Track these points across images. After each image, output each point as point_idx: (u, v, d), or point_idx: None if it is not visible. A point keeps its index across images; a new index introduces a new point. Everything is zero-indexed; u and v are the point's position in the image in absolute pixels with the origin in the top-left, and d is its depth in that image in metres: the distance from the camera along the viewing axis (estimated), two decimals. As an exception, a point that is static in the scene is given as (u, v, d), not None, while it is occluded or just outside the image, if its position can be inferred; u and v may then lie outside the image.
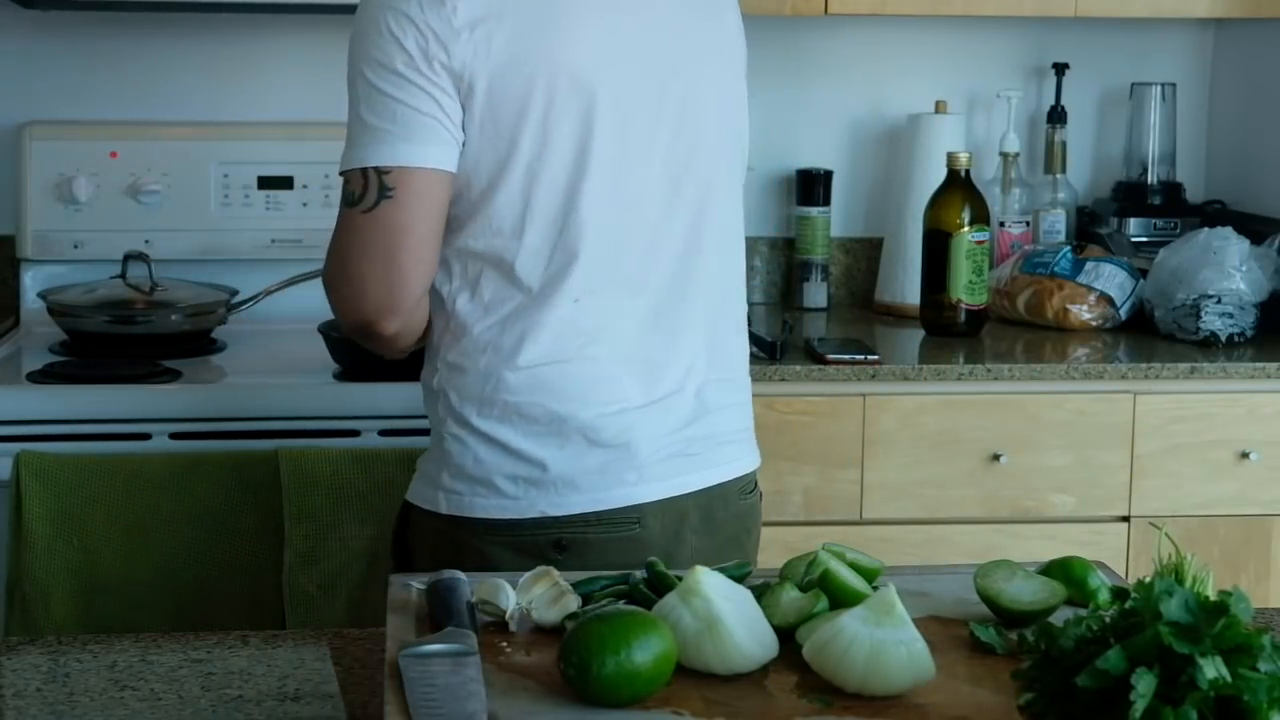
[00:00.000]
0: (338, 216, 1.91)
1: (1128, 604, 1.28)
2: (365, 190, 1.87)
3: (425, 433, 2.61)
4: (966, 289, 3.13)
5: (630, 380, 1.97)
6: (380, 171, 1.86)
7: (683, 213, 2.00)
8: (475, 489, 1.96)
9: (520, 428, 1.94)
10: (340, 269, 1.91)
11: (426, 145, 1.87)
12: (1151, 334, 3.17)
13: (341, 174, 1.90)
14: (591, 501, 1.95)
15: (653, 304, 1.98)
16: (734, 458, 2.07)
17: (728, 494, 2.06)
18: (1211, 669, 1.20)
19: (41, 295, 3.01)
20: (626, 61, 1.95)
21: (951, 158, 3.16)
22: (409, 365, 2.69)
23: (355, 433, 2.62)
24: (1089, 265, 3.23)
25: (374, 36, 1.87)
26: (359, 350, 2.73)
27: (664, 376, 1.99)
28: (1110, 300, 3.21)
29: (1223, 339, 3.07)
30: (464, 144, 1.90)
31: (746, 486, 2.10)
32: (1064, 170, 3.54)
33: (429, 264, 1.92)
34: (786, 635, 1.43)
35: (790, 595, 1.48)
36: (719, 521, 2.04)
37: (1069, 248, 3.29)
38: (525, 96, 1.89)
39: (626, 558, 1.87)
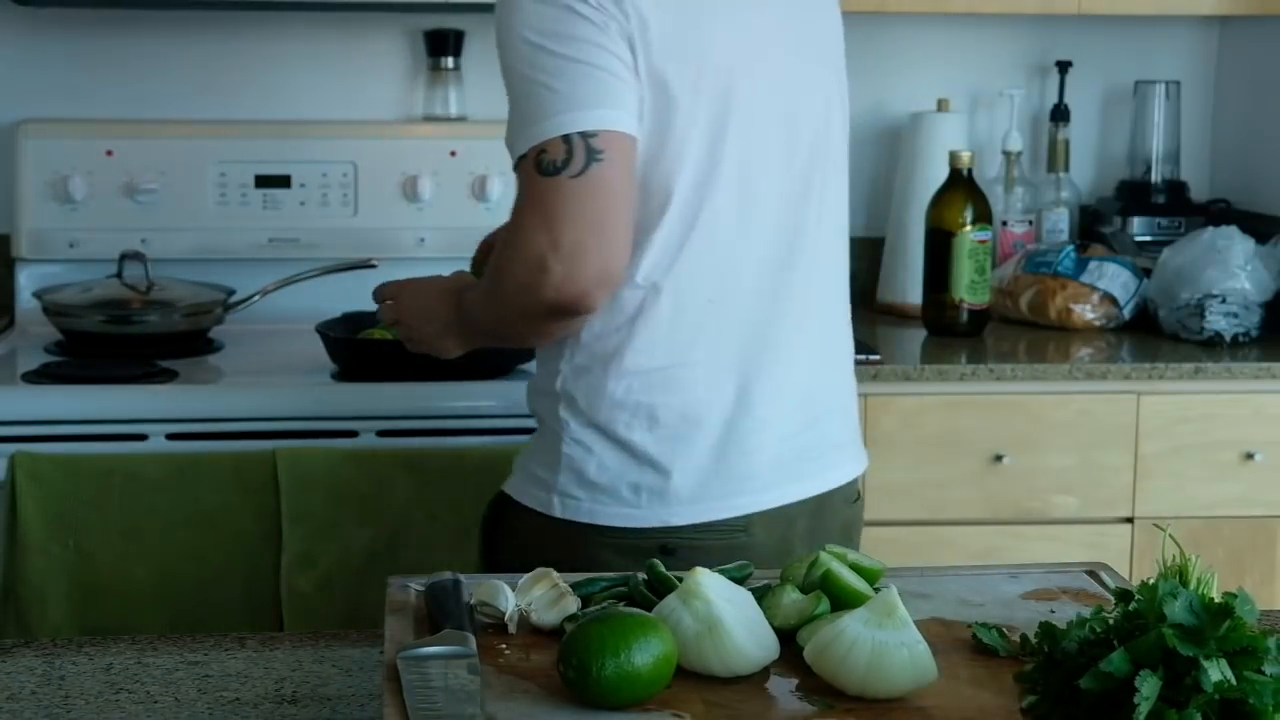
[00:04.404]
0: (530, 192, 1.82)
1: (1131, 606, 1.27)
2: (571, 156, 1.80)
3: (423, 434, 2.63)
4: (969, 288, 3.12)
5: (745, 385, 1.96)
6: (586, 135, 1.80)
7: (793, 212, 1.98)
8: (596, 496, 1.95)
9: (645, 434, 1.93)
10: (549, 242, 1.80)
11: (622, 110, 1.83)
12: (1155, 334, 3.16)
13: (535, 147, 1.82)
14: (706, 511, 1.94)
15: (768, 306, 1.97)
16: (842, 462, 2.07)
17: (834, 501, 2.06)
18: (1216, 672, 1.20)
19: (37, 295, 2.99)
20: (759, 53, 1.94)
21: (954, 156, 3.15)
22: (406, 365, 2.69)
23: (353, 433, 2.61)
24: (1092, 265, 3.22)
25: (549, 9, 1.83)
26: (357, 350, 2.75)
27: (776, 383, 1.97)
28: (1114, 300, 3.20)
29: (1227, 339, 3.06)
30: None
31: (850, 495, 2.10)
32: (1067, 169, 3.53)
33: (631, 232, 1.87)
34: (787, 637, 1.43)
35: (791, 597, 1.47)
36: (825, 529, 2.03)
37: (1072, 247, 3.28)
38: (678, 82, 1.87)
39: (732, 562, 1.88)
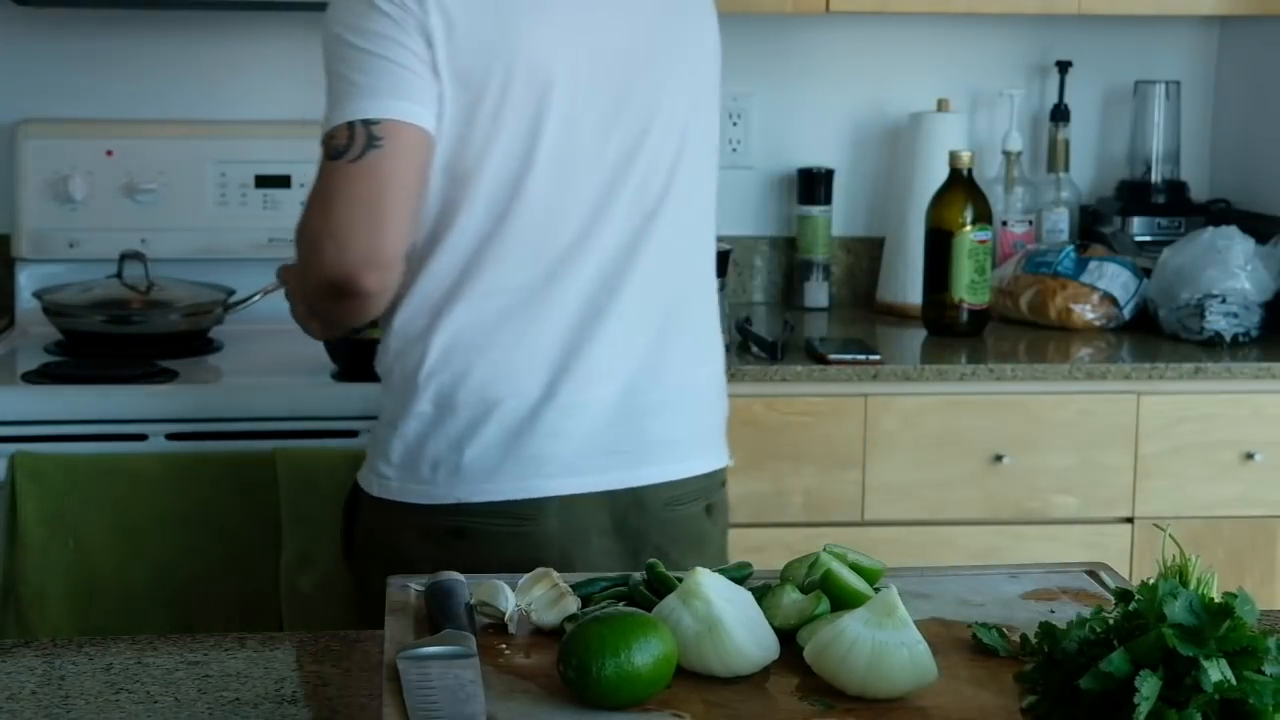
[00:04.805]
0: (319, 176, 1.91)
1: (1131, 606, 1.27)
2: (351, 142, 1.87)
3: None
4: (969, 288, 3.12)
5: (551, 374, 1.97)
6: (368, 123, 1.87)
7: (627, 210, 1.99)
8: (402, 474, 2.00)
9: (446, 412, 1.97)
10: (323, 222, 1.89)
11: (412, 102, 1.89)
12: (1155, 334, 3.16)
13: (326, 133, 1.90)
14: (496, 490, 1.97)
15: (584, 299, 1.98)
16: (663, 461, 2.04)
17: (651, 503, 2.03)
18: (1216, 672, 1.20)
19: (37, 295, 2.99)
20: (588, 54, 1.96)
21: (953, 156, 3.15)
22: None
23: (353, 433, 2.61)
24: (1092, 265, 3.22)
25: (354, 4, 1.90)
26: (357, 350, 2.75)
27: (589, 373, 1.98)
28: (1114, 300, 3.19)
29: (1227, 339, 3.06)
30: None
31: (676, 498, 2.06)
32: (1067, 169, 3.53)
33: (412, 220, 1.92)
34: (788, 637, 1.43)
35: (791, 597, 1.47)
36: (637, 531, 2.02)
37: (1072, 247, 3.27)
38: (484, 78, 1.91)
39: (521, 553, 1.89)
